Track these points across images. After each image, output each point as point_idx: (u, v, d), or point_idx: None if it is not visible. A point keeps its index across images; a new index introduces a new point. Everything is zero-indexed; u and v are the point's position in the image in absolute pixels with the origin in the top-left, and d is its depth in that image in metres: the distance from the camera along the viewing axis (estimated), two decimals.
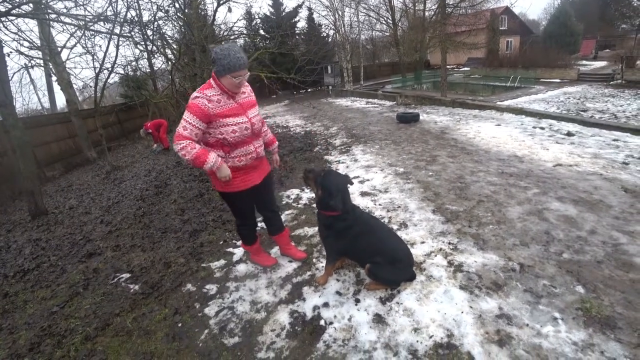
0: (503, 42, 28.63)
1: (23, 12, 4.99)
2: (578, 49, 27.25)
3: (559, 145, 5.35)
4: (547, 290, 2.17)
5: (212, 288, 2.67)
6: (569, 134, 5.93)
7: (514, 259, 2.53)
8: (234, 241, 3.36)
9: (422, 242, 2.88)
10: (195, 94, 2.05)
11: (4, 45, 5.19)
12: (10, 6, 4.70)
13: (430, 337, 1.92)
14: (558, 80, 17.30)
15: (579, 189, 3.61)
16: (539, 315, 1.98)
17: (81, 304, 2.72)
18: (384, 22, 26.01)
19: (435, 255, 2.66)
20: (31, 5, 4.96)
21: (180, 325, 2.30)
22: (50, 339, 2.35)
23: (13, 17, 5.20)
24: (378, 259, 2.21)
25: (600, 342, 1.78)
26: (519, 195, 3.59)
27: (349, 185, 2.28)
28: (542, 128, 6.52)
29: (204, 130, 2.06)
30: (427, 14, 22.07)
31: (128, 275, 3.06)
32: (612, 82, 14.98)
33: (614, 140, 5.39)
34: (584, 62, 23.50)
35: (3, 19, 5.06)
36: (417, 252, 2.73)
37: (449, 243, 2.82)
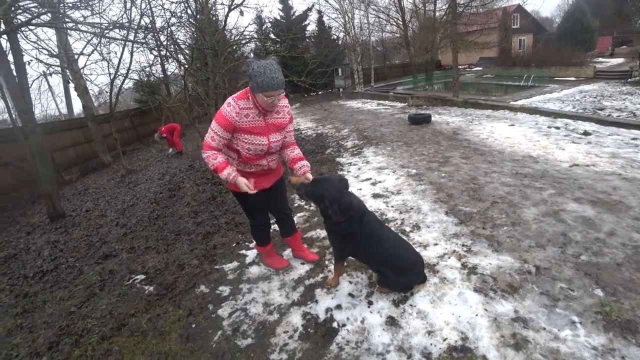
0: (515, 41, 28.19)
1: (42, 21, 5.14)
2: (594, 46, 26.55)
3: (575, 145, 5.23)
4: (564, 293, 2.12)
5: (225, 290, 2.70)
6: (586, 133, 5.78)
7: (530, 261, 2.48)
8: (246, 243, 3.39)
9: (436, 244, 2.85)
10: (229, 100, 2.06)
11: (24, 53, 5.37)
12: (30, 16, 4.86)
13: (445, 340, 1.89)
14: (573, 79, 16.89)
15: (597, 190, 3.52)
16: (556, 319, 1.93)
17: (97, 305, 2.78)
18: (394, 23, 26.08)
19: (449, 257, 2.63)
20: (49, 15, 5.11)
21: (194, 326, 2.33)
22: (68, 338, 2.41)
23: (33, 27, 5.38)
24: (384, 269, 2.19)
25: (621, 346, 1.72)
26: (534, 196, 3.52)
27: (345, 188, 2.12)
28: (558, 128, 6.38)
29: (229, 139, 2.12)
30: (437, 14, 22.00)
31: (143, 276, 3.11)
32: (629, 80, 14.54)
33: (633, 139, 5.23)
34: (600, 59, 22.89)
35: (23, 28, 5.24)
36: (430, 254, 2.71)
37: (463, 245, 2.79)
